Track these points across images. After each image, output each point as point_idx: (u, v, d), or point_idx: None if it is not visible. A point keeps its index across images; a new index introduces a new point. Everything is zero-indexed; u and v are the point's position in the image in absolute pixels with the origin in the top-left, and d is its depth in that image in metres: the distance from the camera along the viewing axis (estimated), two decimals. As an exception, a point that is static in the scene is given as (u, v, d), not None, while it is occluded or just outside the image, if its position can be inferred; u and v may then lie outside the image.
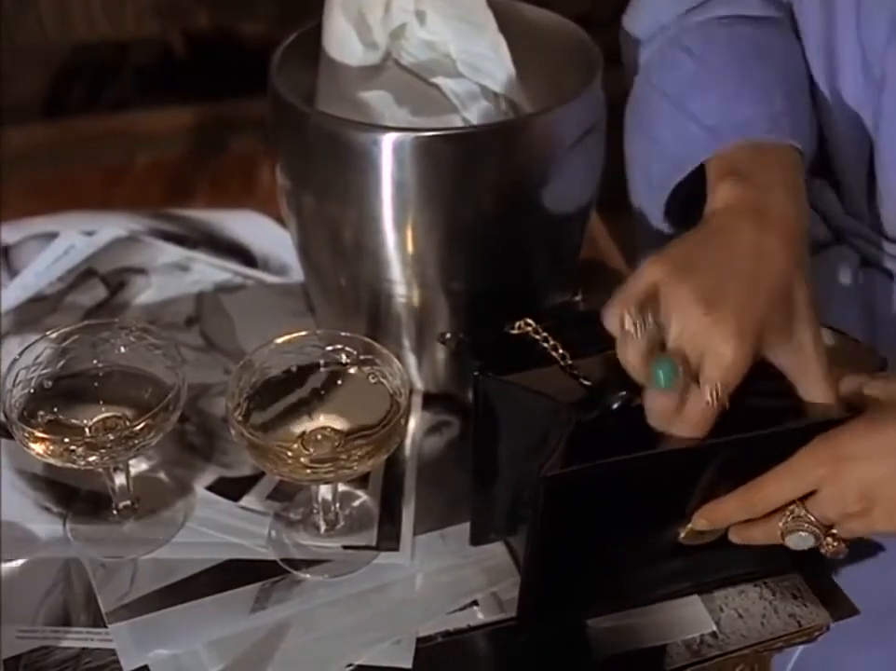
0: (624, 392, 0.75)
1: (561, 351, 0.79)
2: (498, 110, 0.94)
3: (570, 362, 0.78)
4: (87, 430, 0.84)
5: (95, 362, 0.86)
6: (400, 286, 0.91)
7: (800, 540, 0.74)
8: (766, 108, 0.85)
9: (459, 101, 0.92)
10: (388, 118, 0.90)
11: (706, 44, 0.90)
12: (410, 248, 0.89)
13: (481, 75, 0.92)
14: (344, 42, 0.91)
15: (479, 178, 0.86)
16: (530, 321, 0.79)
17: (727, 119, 0.84)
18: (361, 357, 0.85)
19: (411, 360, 0.96)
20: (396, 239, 0.88)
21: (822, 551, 0.75)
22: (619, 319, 0.72)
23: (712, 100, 0.87)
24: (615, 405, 0.76)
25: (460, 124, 0.91)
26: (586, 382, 0.77)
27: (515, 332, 0.80)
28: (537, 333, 0.79)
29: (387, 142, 0.84)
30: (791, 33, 0.92)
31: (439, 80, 0.92)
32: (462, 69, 0.92)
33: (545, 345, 0.79)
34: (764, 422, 0.75)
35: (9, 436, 0.84)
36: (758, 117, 0.84)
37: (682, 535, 0.77)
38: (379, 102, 0.91)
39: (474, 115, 0.92)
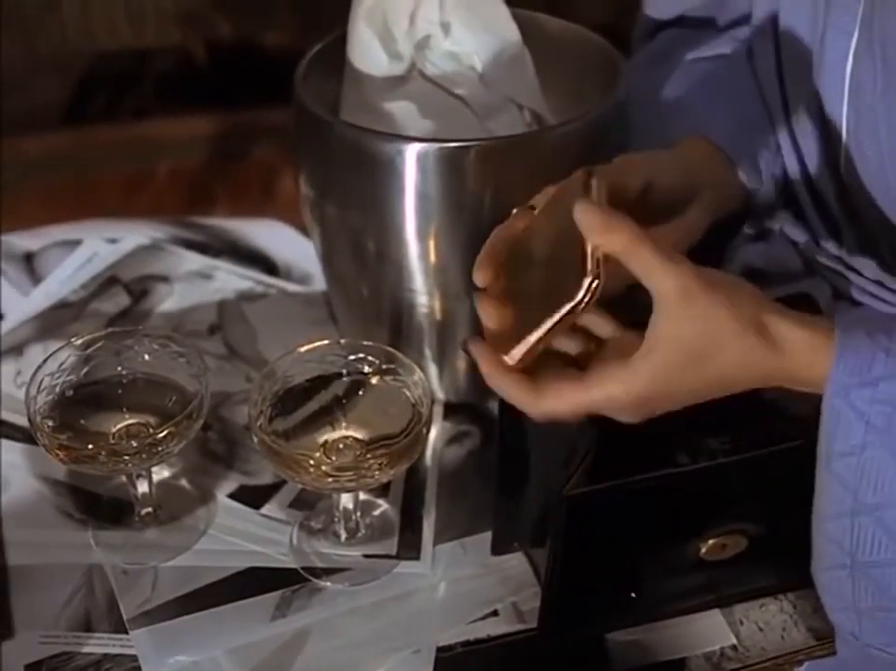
0: None
1: None
2: (522, 121, 0.94)
3: None
4: (110, 437, 0.84)
5: (119, 369, 0.87)
6: (423, 296, 0.91)
7: None
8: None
9: (483, 112, 0.92)
10: (412, 129, 0.90)
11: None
12: (432, 258, 0.89)
13: (505, 87, 0.92)
14: (368, 52, 0.91)
15: (502, 189, 0.86)
16: None
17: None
18: (383, 366, 0.85)
19: (432, 370, 0.96)
20: (419, 250, 0.88)
21: None
22: None
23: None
24: None
25: (484, 135, 0.91)
26: None
27: None
28: None
29: (411, 152, 0.84)
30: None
31: (463, 91, 0.92)
32: (486, 80, 0.92)
33: None
34: (776, 440, 0.75)
35: (33, 442, 0.84)
36: None
37: (703, 550, 0.77)
38: (403, 112, 0.91)
39: (498, 126, 0.92)
